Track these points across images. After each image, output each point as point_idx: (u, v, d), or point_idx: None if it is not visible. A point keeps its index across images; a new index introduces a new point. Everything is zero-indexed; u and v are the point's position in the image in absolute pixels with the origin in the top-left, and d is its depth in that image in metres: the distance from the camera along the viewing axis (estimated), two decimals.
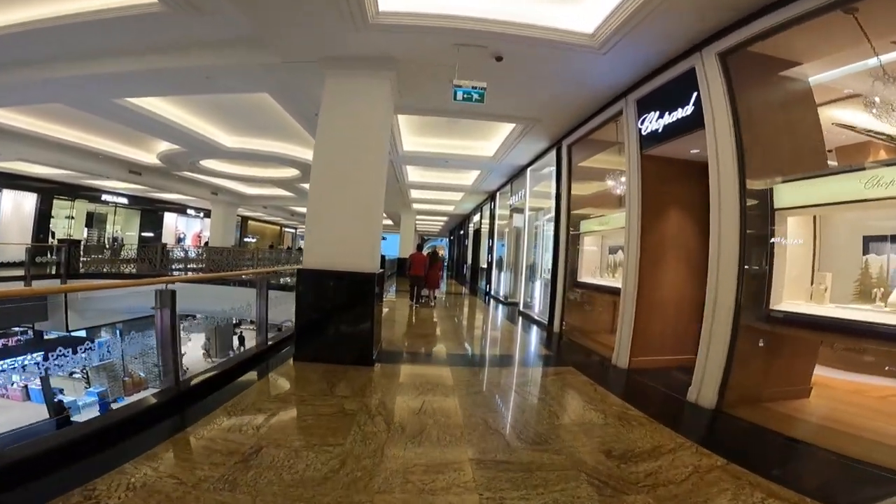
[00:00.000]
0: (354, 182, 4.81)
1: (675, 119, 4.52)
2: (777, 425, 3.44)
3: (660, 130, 4.73)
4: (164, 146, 11.38)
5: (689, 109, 4.31)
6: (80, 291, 12.26)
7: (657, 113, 4.81)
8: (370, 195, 4.90)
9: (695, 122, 4.19)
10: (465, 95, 4.46)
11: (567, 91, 5.63)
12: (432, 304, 11.37)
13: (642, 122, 5.06)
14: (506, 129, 7.82)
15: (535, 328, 8.04)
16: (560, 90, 5.63)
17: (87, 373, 14.28)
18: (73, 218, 19.91)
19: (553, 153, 7.92)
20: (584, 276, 7.03)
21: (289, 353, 4.82)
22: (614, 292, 6.16)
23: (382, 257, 18.20)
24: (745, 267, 3.59)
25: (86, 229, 20.50)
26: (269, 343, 5.02)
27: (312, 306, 4.72)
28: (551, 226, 9.02)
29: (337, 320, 4.70)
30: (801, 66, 3.92)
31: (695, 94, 4.18)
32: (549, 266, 8.85)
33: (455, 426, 3.21)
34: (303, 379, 4.16)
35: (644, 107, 5.06)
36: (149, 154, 12.58)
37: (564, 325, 7.07)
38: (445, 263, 29.74)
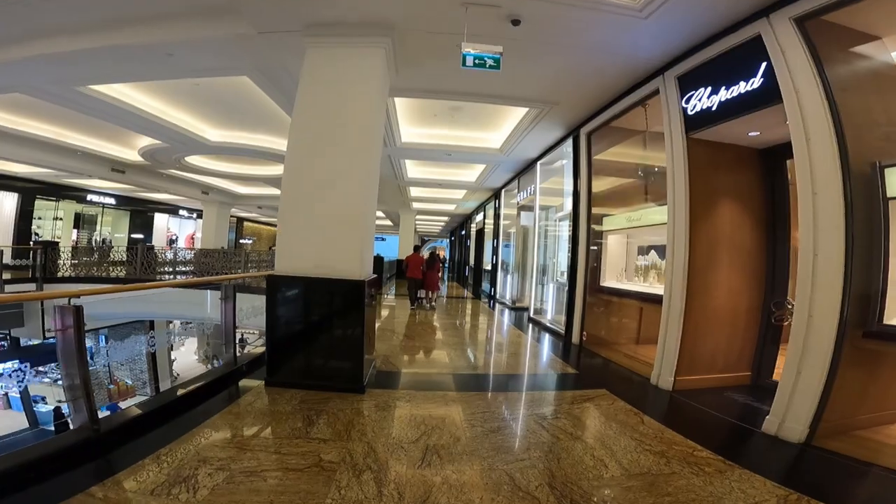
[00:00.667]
0: (340, 172, 3.98)
1: (735, 94, 3.75)
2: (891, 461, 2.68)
3: (714, 109, 3.94)
4: (145, 141, 10.59)
5: (755, 82, 3.56)
6: None
7: (708, 89, 4.02)
8: (360, 188, 4.04)
9: (765, 97, 3.46)
10: (477, 61, 3.65)
11: (595, 66, 4.82)
12: (432, 306, 10.82)
13: (687, 101, 4.26)
14: (515, 116, 7.03)
15: (550, 338, 7.21)
16: (586, 65, 4.82)
17: None
18: (60, 219, 19.30)
19: (569, 143, 7.11)
20: (608, 280, 6.20)
21: (262, 374, 3.99)
22: (645, 298, 5.37)
23: (380, 259, 17.35)
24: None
25: (75, 231, 19.84)
26: (239, 363, 4.18)
27: (287, 320, 3.91)
28: (564, 224, 8.22)
29: (318, 337, 3.89)
30: (880, 40, 3.23)
31: (764, 65, 3.45)
32: (564, 268, 8.04)
33: (471, 487, 2.39)
34: (272, 412, 3.32)
35: (689, 83, 4.29)
36: (130, 150, 11.78)
37: (585, 335, 6.24)
38: (445, 265, 29.03)
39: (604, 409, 3.74)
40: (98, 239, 20.24)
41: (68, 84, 6.52)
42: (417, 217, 21.84)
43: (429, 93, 5.77)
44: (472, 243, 20.52)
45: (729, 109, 3.80)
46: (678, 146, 4.24)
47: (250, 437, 2.91)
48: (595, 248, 6.34)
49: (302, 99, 4.11)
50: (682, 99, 4.34)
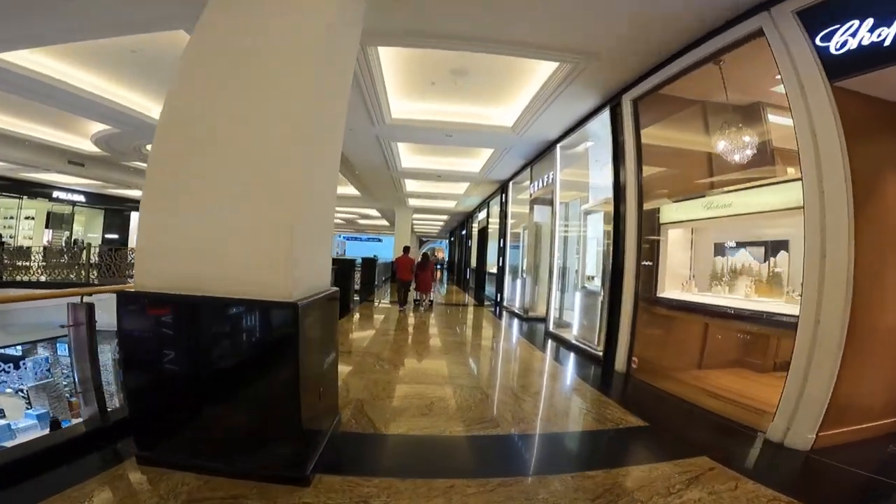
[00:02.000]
0: (263, 116, 2.43)
1: None
2: None
3: (887, 44, 2.52)
4: (95, 127, 9.10)
5: None
6: None
7: (867, 21, 2.63)
8: (296, 141, 2.39)
9: None
10: None
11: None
12: (426, 308, 10.21)
13: (825, 39, 2.85)
14: (536, 81, 5.56)
15: (580, 361, 5.71)
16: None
17: (27, 392, 12.58)
18: (32, 218, 18.09)
19: (604, 116, 5.65)
20: (669, 290, 4.72)
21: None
22: (737, 317, 3.90)
23: (373, 261, 15.79)
24: None
25: (48, 231, 18.56)
26: (112, 419, 2.69)
27: (163, 365, 2.32)
28: (593, 219, 6.78)
29: (223, 394, 2.33)
30: None
31: None
32: (592, 272, 6.60)
33: None
34: None
35: (821, 17, 2.92)
36: (83, 139, 10.29)
37: (635, 361, 4.76)
38: (438, 266, 27.76)
39: (728, 502, 2.24)
40: (67, 240, 18.81)
41: None
42: (415, 216, 20.48)
43: (425, 38, 4.25)
44: (473, 244, 19.08)
45: None
46: (819, 99, 2.80)
47: None
48: (647, 246, 4.83)
49: (206, 25, 2.57)
50: (813, 37, 2.91)
